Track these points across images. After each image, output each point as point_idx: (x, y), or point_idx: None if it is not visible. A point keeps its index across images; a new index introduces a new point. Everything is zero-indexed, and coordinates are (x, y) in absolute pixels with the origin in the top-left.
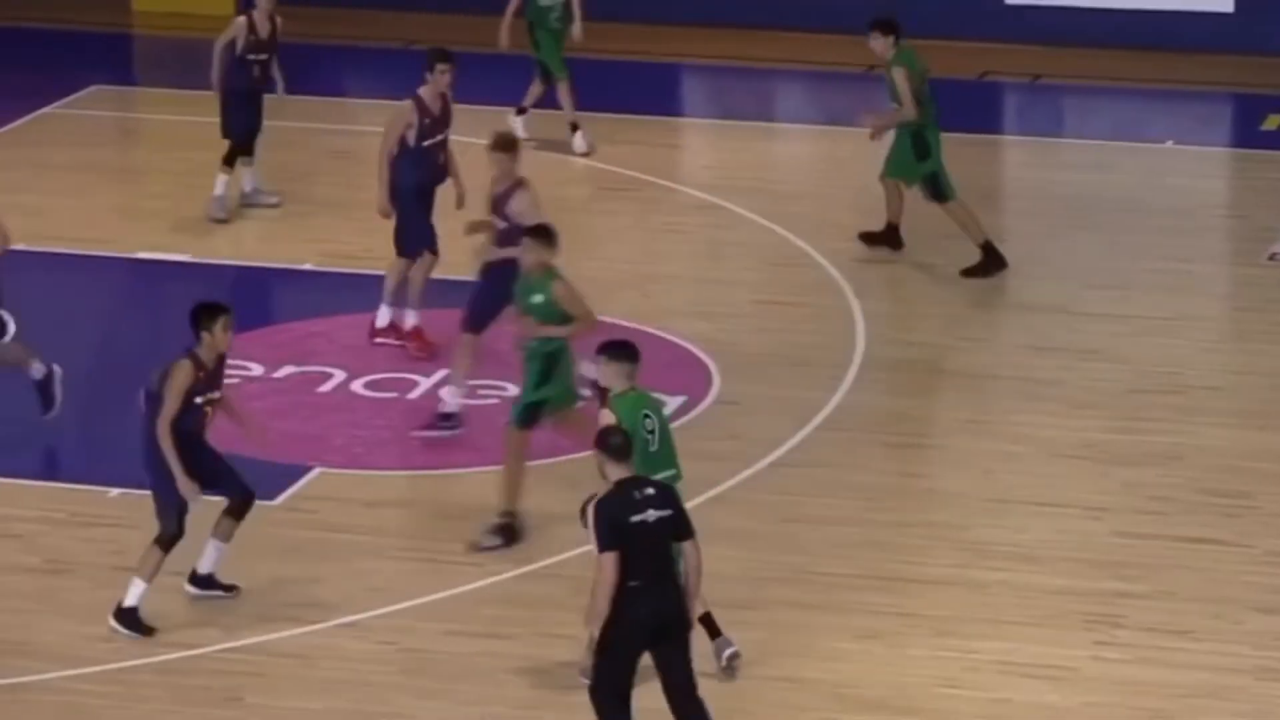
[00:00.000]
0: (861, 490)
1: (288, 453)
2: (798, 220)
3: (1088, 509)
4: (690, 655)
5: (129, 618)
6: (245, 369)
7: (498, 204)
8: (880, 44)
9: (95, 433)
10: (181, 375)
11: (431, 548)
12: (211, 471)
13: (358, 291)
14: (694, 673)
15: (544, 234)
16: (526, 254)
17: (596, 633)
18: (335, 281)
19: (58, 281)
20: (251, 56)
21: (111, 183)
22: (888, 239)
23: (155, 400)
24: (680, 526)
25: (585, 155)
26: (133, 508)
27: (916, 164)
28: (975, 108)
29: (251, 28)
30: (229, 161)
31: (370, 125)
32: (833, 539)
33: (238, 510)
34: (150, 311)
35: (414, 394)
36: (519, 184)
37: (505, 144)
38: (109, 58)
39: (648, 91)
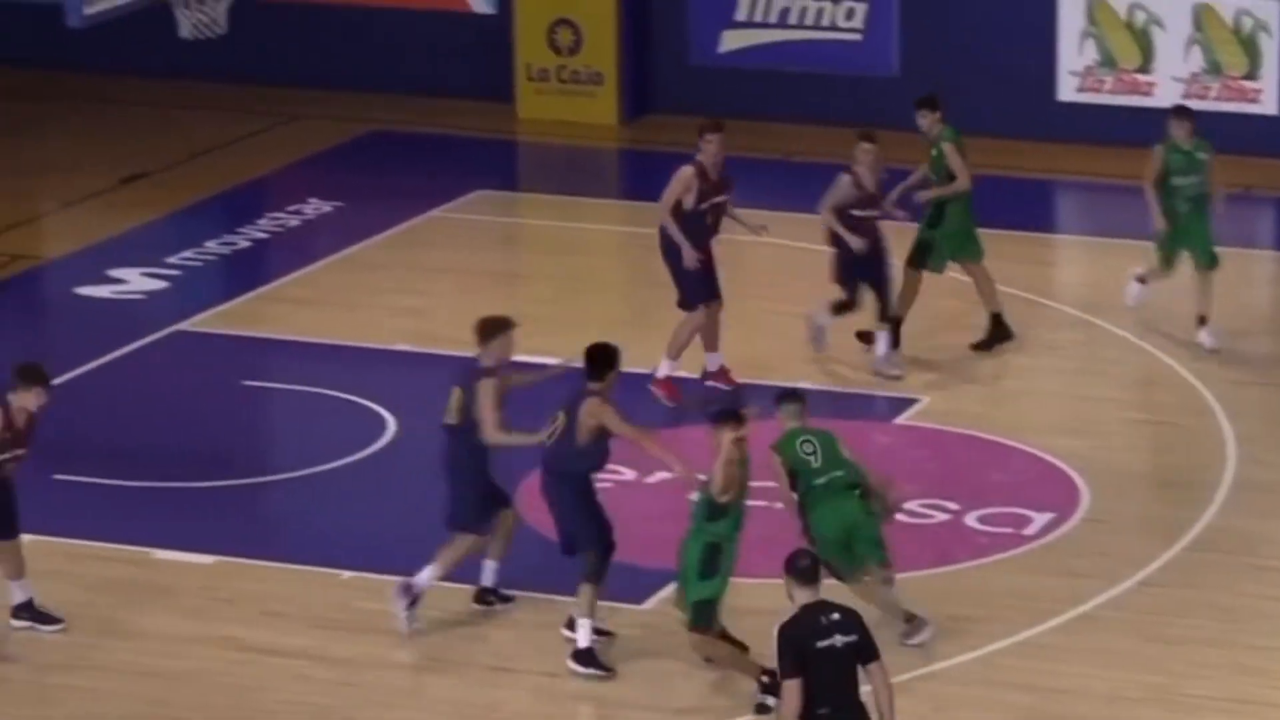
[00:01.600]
0: (1227, 613)
1: (657, 557)
2: (1169, 340)
3: None
4: None
5: (587, 658)
6: (618, 473)
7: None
8: (928, 120)
9: None
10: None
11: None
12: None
13: (727, 398)
14: None
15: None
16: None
17: None
18: (700, 388)
19: (438, 382)
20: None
21: (492, 286)
22: (1000, 334)
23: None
24: (866, 650)
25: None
26: (509, 605)
27: (926, 228)
28: None
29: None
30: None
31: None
32: (1196, 660)
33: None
34: (524, 413)
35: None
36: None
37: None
38: (493, 163)
39: (1021, 207)
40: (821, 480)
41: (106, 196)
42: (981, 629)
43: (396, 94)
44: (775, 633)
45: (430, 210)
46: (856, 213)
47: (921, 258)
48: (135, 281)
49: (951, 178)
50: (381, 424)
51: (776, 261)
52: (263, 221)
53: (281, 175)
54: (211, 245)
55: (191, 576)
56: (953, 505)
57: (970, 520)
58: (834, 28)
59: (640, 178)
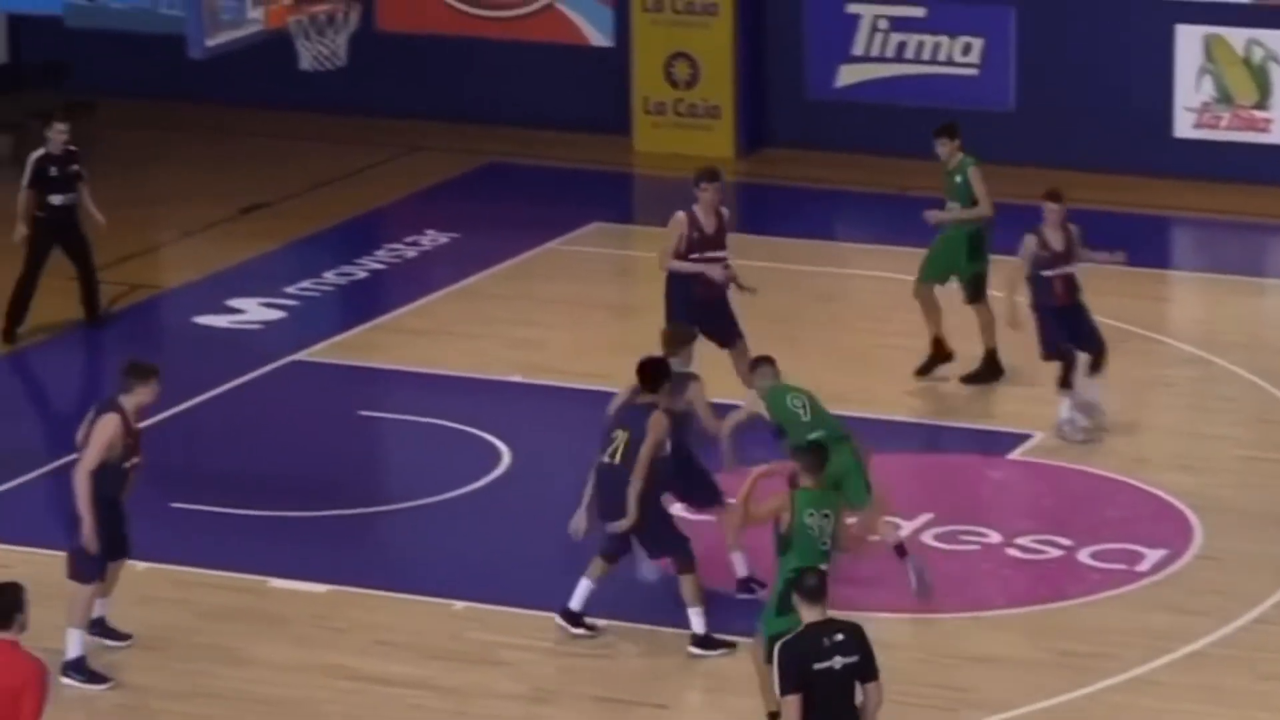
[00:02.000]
0: None
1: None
2: None
3: None
4: None
5: (706, 642)
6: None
7: None
8: (948, 148)
9: (583, 565)
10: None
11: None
12: None
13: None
14: None
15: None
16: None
17: None
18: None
19: (551, 412)
20: None
21: (607, 319)
22: (942, 357)
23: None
24: (865, 670)
25: None
26: (621, 636)
27: (968, 263)
28: None
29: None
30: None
31: (859, 269)
32: None
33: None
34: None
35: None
36: None
37: None
38: (609, 195)
39: (1136, 243)
40: (816, 434)
41: (226, 226)
42: (1094, 665)
43: (514, 126)
44: (776, 649)
45: (547, 242)
46: (1047, 273)
47: (978, 291)
48: (253, 311)
49: (975, 205)
50: (495, 455)
51: (885, 295)
52: (380, 252)
53: (399, 206)
54: (329, 276)
55: (305, 605)
56: (1066, 541)
57: (1083, 556)
58: (951, 62)
59: (755, 211)
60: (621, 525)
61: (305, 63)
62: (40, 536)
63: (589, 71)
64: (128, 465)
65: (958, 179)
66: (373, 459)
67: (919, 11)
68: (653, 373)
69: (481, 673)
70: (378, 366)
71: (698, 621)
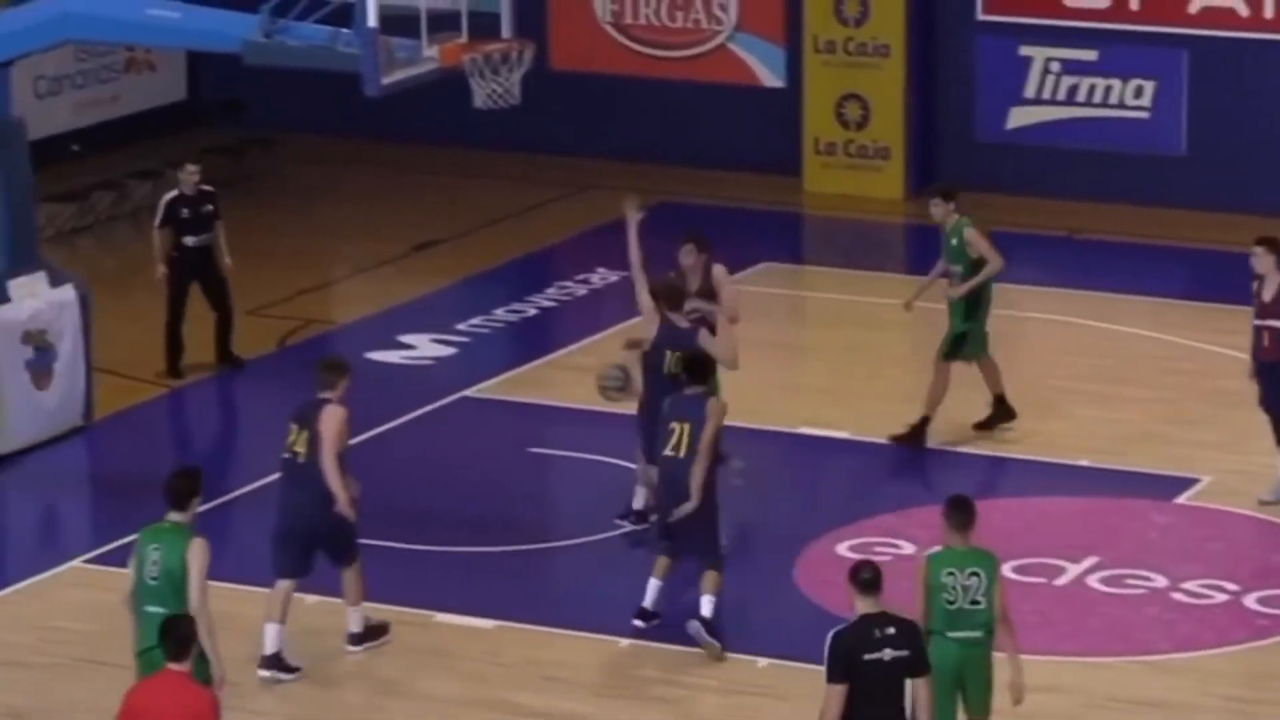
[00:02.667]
0: None
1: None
2: None
3: None
4: None
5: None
6: (896, 547)
7: None
8: (942, 210)
9: (744, 603)
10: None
11: None
12: None
13: (1010, 475)
14: None
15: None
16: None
17: None
18: (987, 464)
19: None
20: None
21: (775, 358)
22: (1003, 414)
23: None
24: (915, 665)
25: None
26: (782, 676)
27: (961, 321)
28: None
29: None
30: None
31: (1029, 311)
32: None
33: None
34: (805, 485)
35: (1061, 580)
36: None
37: None
38: (779, 236)
39: None
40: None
41: (399, 263)
42: (1260, 712)
43: (685, 165)
44: (828, 640)
45: None
46: (1257, 323)
47: (956, 349)
48: (424, 347)
49: (976, 267)
50: None
51: (1055, 338)
52: (550, 290)
53: (570, 245)
54: (499, 312)
55: (472, 640)
56: (1232, 586)
57: (1249, 601)
58: (1122, 105)
59: (925, 253)
60: (687, 508)
61: (479, 101)
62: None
63: (760, 112)
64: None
65: (954, 241)
66: (540, 495)
67: (1091, 54)
68: (700, 365)
69: (646, 709)
70: (547, 403)
71: (708, 606)
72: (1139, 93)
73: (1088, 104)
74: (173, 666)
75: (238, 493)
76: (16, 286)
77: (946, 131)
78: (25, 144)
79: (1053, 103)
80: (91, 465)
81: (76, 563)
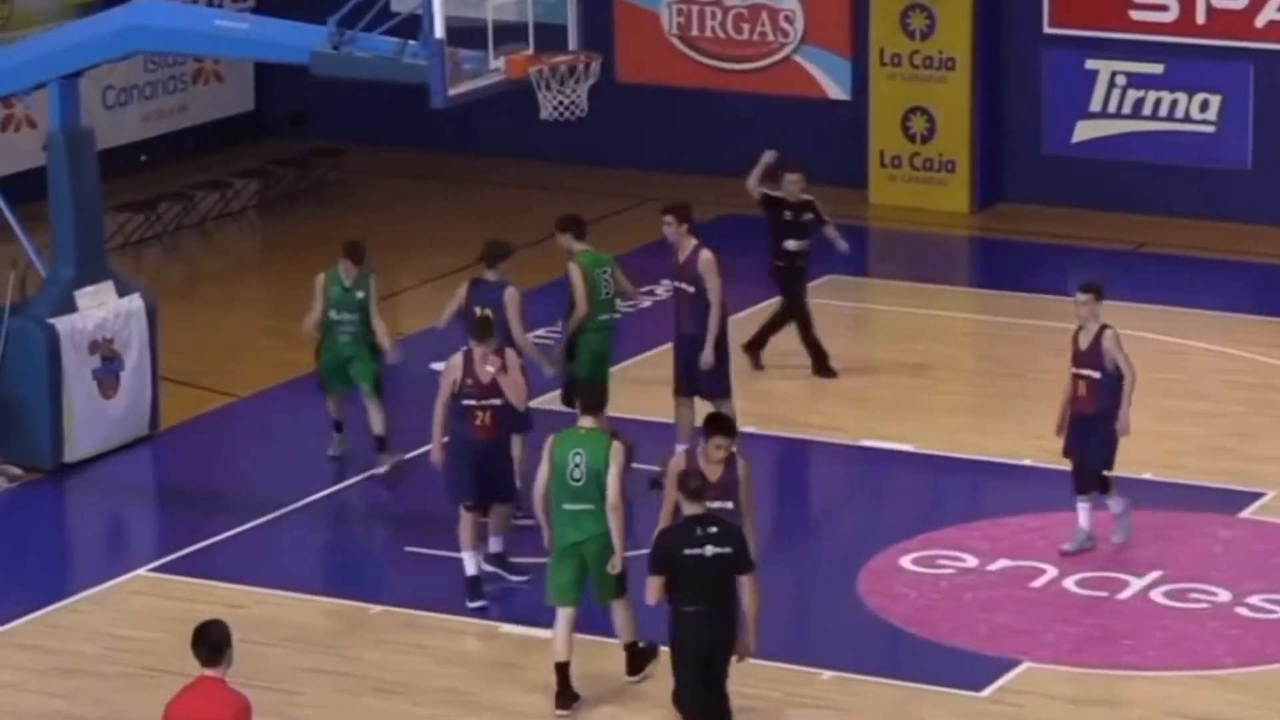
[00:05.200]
0: None
1: (998, 645)
2: None
3: None
4: (725, 672)
5: None
6: (960, 560)
7: None
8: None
9: (807, 615)
10: None
11: None
12: None
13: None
14: (726, 694)
15: None
16: None
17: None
18: (1052, 478)
19: (784, 465)
20: None
21: (841, 371)
22: None
23: None
24: (739, 562)
25: None
26: (844, 689)
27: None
28: None
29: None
30: None
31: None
32: None
33: None
34: (868, 498)
35: (1125, 594)
36: None
37: None
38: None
39: None
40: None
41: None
42: None
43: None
44: (654, 536)
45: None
46: None
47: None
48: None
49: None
50: None
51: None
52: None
53: (634, 257)
54: (563, 325)
55: (539, 652)
56: None
57: None
58: (1188, 119)
59: (990, 266)
60: None
61: (546, 113)
62: (270, 578)
63: (826, 124)
64: (468, 403)
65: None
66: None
67: (1157, 68)
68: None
69: None
70: (611, 415)
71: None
72: (1205, 106)
73: (1153, 118)
74: (207, 672)
75: (302, 502)
76: (84, 296)
77: (1012, 145)
78: (94, 154)
79: (1119, 116)
80: (157, 474)
81: (143, 571)
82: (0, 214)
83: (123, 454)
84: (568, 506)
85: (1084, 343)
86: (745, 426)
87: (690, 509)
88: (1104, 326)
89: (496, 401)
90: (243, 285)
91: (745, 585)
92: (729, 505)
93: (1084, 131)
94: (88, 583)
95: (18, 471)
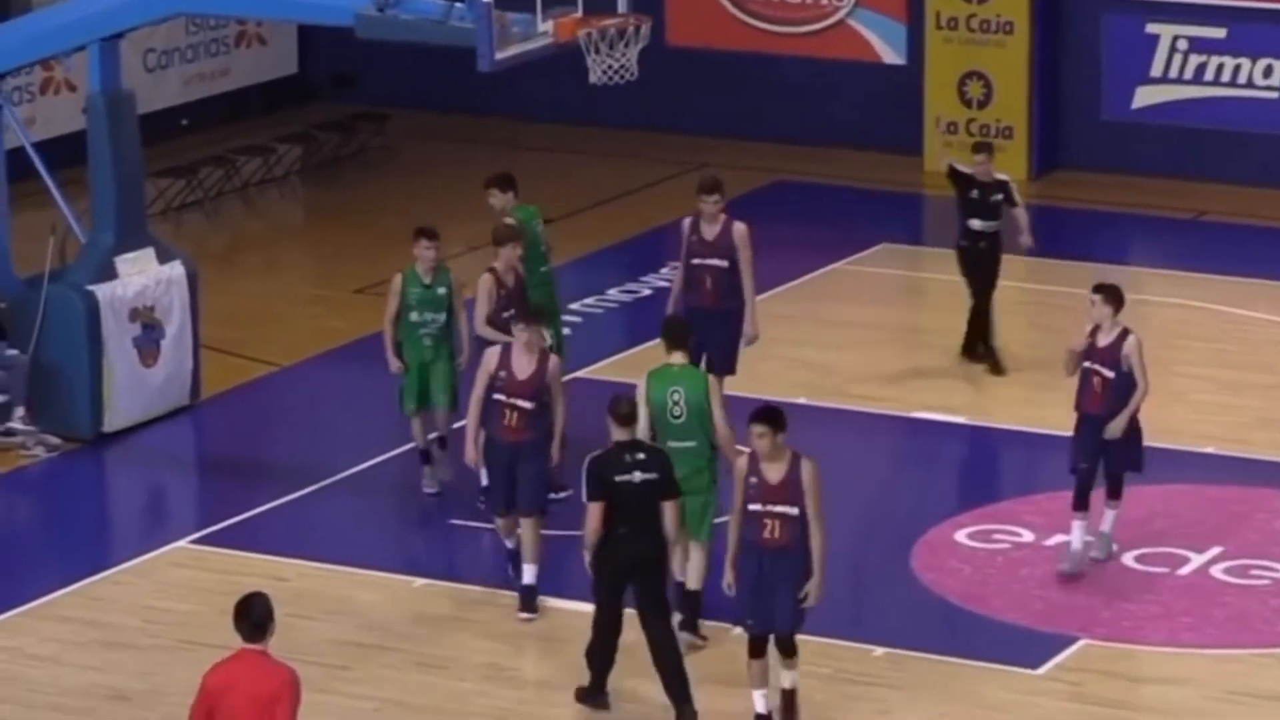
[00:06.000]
0: None
1: (1054, 622)
2: None
3: None
4: (661, 586)
5: None
6: (1016, 534)
7: None
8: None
9: (860, 591)
10: None
11: None
12: None
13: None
14: (667, 602)
15: None
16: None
17: (589, 561)
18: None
19: (833, 436)
20: None
21: (894, 341)
22: None
23: None
24: (664, 489)
25: None
26: (897, 666)
27: None
28: None
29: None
30: None
31: (1153, 295)
32: None
33: None
34: (922, 471)
35: (1184, 570)
36: None
37: None
38: (899, 216)
39: None
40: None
41: None
42: None
43: (803, 144)
44: (585, 463)
45: (834, 262)
46: None
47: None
48: None
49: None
50: None
51: (1179, 322)
52: (665, 270)
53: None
54: (613, 293)
55: (581, 625)
56: None
57: None
58: (1250, 85)
59: (1047, 233)
60: None
61: (595, 77)
62: (312, 550)
63: (881, 89)
64: (498, 397)
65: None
66: None
67: (1219, 32)
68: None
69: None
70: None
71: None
72: (1268, 72)
73: (1216, 83)
74: (249, 646)
75: (345, 474)
76: (124, 262)
77: (1071, 111)
78: (135, 118)
79: (1180, 81)
80: (198, 444)
81: (182, 543)
82: (40, 179)
83: (163, 423)
84: (673, 444)
85: (1103, 340)
86: (795, 398)
87: (618, 435)
88: (1127, 330)
89: (527, 405)
90: (285, 252)
91: (667, 510)
92: (793, 511)
93: (1144, 97)
94: (127, 555)
95: (56, 441)
